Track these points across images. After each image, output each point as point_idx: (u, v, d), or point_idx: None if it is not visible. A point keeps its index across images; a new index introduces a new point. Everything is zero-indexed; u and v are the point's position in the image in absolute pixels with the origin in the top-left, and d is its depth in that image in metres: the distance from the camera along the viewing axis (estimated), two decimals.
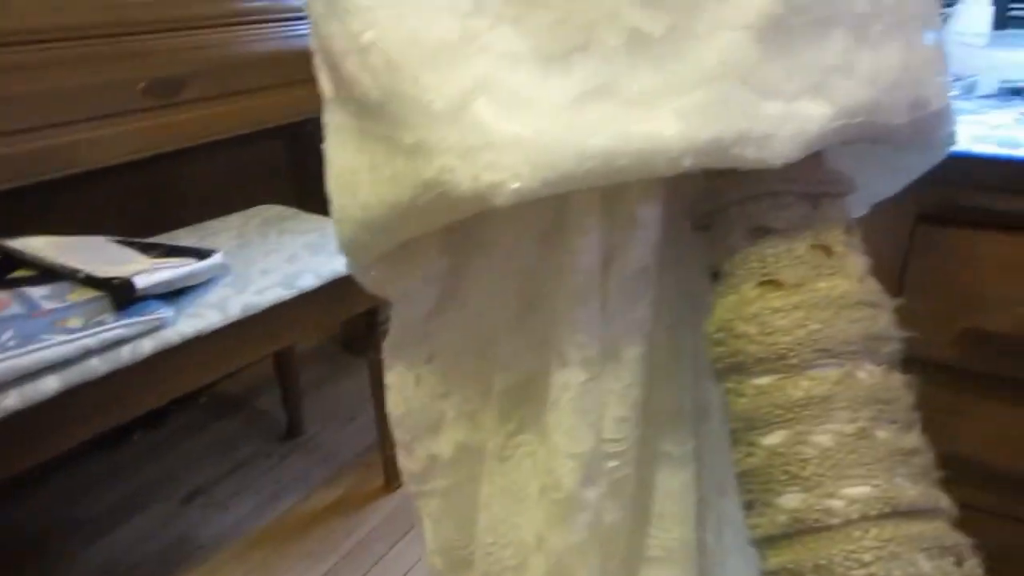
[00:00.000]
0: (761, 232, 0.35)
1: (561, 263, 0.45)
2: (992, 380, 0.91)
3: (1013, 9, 1.27)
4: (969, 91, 1.07)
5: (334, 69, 0.42)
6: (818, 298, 0.33)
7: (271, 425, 2.03)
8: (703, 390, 0.50)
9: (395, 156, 0.39)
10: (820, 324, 0.32)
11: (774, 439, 0.32)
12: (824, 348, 0.32)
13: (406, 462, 0.57)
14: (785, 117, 0.33)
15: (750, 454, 0.33)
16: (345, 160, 0.44)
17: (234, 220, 1.61)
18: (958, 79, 1.06)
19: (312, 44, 0.44)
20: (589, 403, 0.45)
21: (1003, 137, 0.88)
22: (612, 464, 0.47)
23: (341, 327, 2.29)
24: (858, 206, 0.58)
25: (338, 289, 1.38)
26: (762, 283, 0.34)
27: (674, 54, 0.34)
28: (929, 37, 0.39)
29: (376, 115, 0.39)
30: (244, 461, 1.89)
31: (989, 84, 1.07)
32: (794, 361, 0.32)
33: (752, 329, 0.33)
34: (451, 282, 0.51)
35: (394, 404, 0.56)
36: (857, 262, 0.36)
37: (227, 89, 1.52)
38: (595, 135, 0.34)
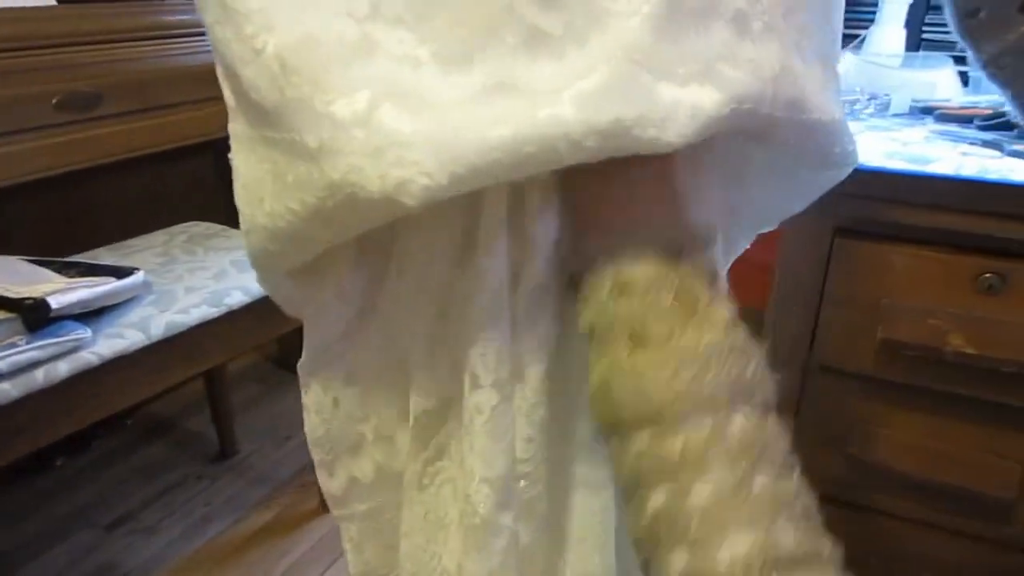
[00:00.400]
0: (627, 288, 0.35)
1: (470, 284, 0.44)
2: (910, 390, 0.93)
3: (926, 31, 1.32)
4: (883, 110, 1.10)
5: (232, 76, 0.41)
6: (686, 351, 0.33)
7: (202, 447, 1.98)
8: None
9: (298, 161, 0.38)
10: (690, 377, 0.32)
11: (658, 498, 0.32)
12: (696, 401, 0.32)
13: (327, 483, 0.56)
14: (679, 100, 0.34)
15: (638, 515, 0.33)
16: (249, 169, 0.43)
17: (158, 237, 1.57)
18: (873, 98, 1.09)
19: (214, 53, 0.43)
20: (502, 425, 0.45)
21: (913, 154, 0.91)
22: (523, 484, 0.47)
23: (276, 344, 2.25)
24: (768, 222, 0.59)
25: (269, 306, 1.32)
26: (632, 339, 0.34)
27: (573, 44, 0.34)
28: (810, 53, 0.40)
29: (275, 121, 0.38)
30: (174, 484, 1.84)
31: (902, 103, 1.10)
32: (669, 417, 0.32)
33: (626, 388, 0.33)
34: (367, 302, 0.50)
35: (312, 426, 0.55)
36: (723, 311, 0.36)
37: (148, 104, 1.48)
38: (498, 125, 0.34)
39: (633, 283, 0.34)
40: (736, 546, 0.30)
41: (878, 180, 0.87)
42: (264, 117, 0.39)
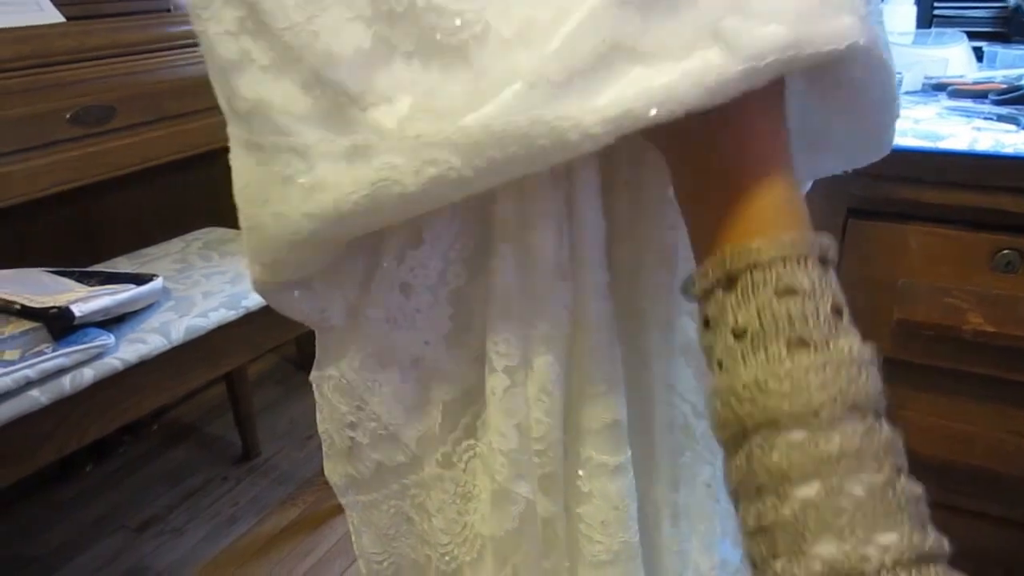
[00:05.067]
0: (789, 292, 0.36)
1: (487, 284, 0.49)
2: (928, 371, 0.93)
3: (937, 7, 1.31)
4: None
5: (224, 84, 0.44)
6: (843, 357, 0.34)
7: (226, 449, 2.00)
8: (647, 403, 0.54)
9: (322, 162, 0.40)
10: (848, 381, 0.34)
11: (808, 491, 0.33)
12: (854, 404, 0.34)
13: (330, 475, 0.60)
14: (684, 72, 0.34)
15: (779, 506, 0.34)
16: (249, 173, 0.45)
17: (175, 245, 1.59)
18: None
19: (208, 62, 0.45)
20: (513, 405, 0.50)
21: (925, 131, 0.90)
22: (537, 460, 0.51)
23: (294, 346, 2.27)
24: (803, 182, 0.56)
25: None
26: (790, 342, 0.35)
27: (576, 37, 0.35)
28: None
29: (286, 127, 0.40)
30: (199, 487, 1.86)
31: (914, 80, 1.09)
32: (826, 417, 0.33)
33: (786, 387, 0.34)
34: (353, 307, 0.52)
35: (320, 420, 0.58)
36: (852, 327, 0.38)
37: (160, 114, 1.49)
38: (513, 121, 0.35)
39: (796, 289, 0.36)
40: (886, 539, 0.31)
41: (890, 158, 0.85)
42: (269, 124, 0.41)
